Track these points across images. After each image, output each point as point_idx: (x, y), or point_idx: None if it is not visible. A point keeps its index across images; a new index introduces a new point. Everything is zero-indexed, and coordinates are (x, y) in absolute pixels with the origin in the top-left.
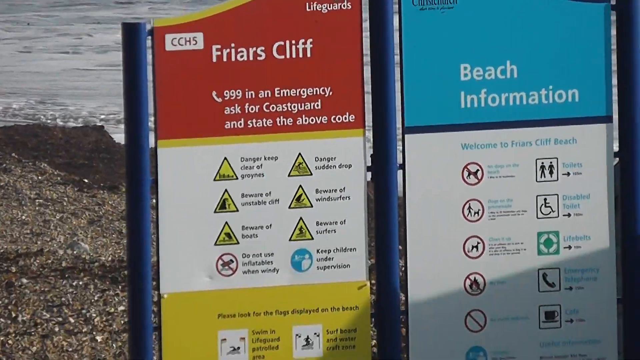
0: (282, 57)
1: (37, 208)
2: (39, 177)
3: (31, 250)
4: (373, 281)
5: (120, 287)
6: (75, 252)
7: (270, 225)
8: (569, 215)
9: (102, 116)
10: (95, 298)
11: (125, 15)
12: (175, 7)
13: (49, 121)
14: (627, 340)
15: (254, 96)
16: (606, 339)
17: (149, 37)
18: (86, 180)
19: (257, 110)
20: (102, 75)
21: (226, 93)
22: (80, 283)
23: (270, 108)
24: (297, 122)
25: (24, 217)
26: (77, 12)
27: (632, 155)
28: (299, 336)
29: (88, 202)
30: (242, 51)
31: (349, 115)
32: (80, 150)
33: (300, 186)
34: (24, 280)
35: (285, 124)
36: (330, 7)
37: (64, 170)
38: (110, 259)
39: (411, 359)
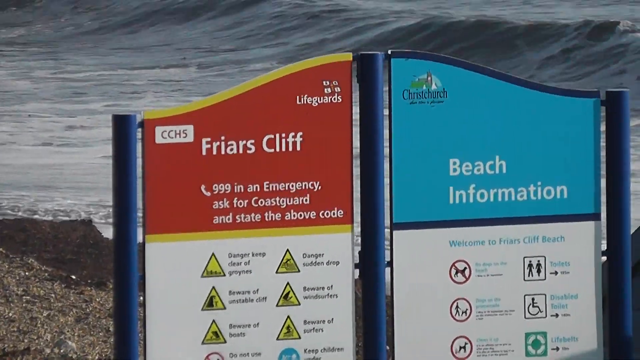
0: (272, 150)
1: (24, 305)
2: (27, 273)
3: (18, 349)
4: None
5: None
6: (62, 350)
7: (258, 323)
8: (556, 315)
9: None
10: None
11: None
12: None
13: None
14: None
15: (243, 190)
16: None
17: (139, 129)
18: (73, 277)
19: (245, 205)
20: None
21: (215, 187)
22: None
23: (259, 202)
24: (286, 217)
25: (10, 314)
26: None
27: (620, 254)
28: None
29: (75, 299)
30: (232, 144)
31: (337, 211)
32: (68, 245)
33: (288, 283)
34: None
35: (274, 219)
36: (320, 100)
37: (51, 265)
38: (97, 358)
39: None
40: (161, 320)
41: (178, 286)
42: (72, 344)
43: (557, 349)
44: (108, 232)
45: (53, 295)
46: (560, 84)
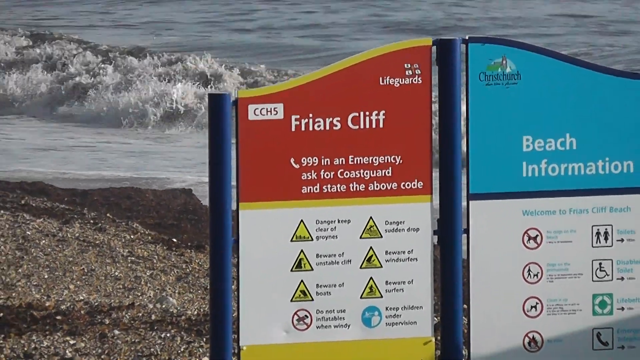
0: (357, 127)
1: (129, 265)
2: (132, 236)
3: (123, 304)
4: (438, 337)
5: (204, 339)
6: (163, 306)
7: (343, 283)
8: (622, 278)
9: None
10: (182, 349)
11: None
12: None
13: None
14: None
15: (329, 163)
16: None
17: (234, 107)
18: (175, 240)
19: (332, 176)
20: None
21: (303, 160)
22: (168, 335)
23: (344, 174)
24: (369, 187)
25: (117, 273)
26: None
27: None
28: None
29: (176, 260)
30: (319, 121)
31: (417, 182)
32: (169, 212)
33: (371, 248)
34: (116, 332)
35: (358, 189)
36: (402, 81)
37: (154, 230)
38: (196, 313)
39: None
40: (253, 279)
41: (269, 249)
42: (173, 300)
43: (623, 309)
44: (206, 201)
45: (156, 256)
46: None
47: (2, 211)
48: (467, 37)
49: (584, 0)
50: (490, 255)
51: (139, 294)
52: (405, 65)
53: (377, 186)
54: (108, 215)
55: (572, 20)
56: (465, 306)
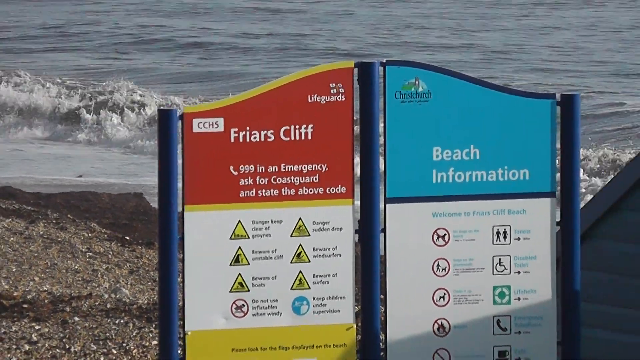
0: (288, 139)
1: (87, 260)
2: (89, 235)
3: (82, 294)
4: (359, 324)
5: (154, 325)
6: (117, 296)
7: (276, 276)
8: (519, 272)
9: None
10: (134, 334)
11: None
12: None
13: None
14: None
15: (264, 170)
16: None
17: (180, 121)
18: (127, 238)
19: (266, 182)
20: None
21: (241, 168)
22: (122, 321)
23: (277, 180)
24: (299, 192)
25: (76, 267)
26: None
27: (571, 224)
28: None
29: (129, 255)
30: (255, 133)
31: (341, 187)
32: (117, 214)
33: (300, 245)
34: (76, 319)
35: (289, 193)
36: (327, 99)
37: (109, 229)
38: (146, 302)
39: None
40: (196, 273)
41: (210, 246)
42: (126, 290)
43: (519, 298)
44: (155, 203)
45: (111, 252)
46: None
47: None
48: (384, 60)
49: None
50: (404, 252)
51: (96, 285)
52: (331, 84)
53: (305, 191)
54: (69, 215)
55: None
56: (382, 296)
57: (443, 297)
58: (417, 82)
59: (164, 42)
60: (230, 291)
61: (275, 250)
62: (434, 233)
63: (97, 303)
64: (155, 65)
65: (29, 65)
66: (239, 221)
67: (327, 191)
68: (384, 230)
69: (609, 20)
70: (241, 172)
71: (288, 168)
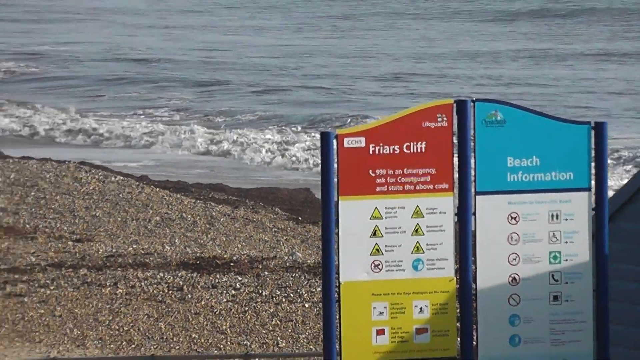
0: (408, 151)
1: (273, 233)
2: (274, 216)
3: (269, 256)
4: (457, 277)
5: (318, 277)
6: (293, 258)
7: (401, 245)
8: (566, 242)
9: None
10: (304, 283)
11: None
12: None
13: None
14: (598, 313)
15: (392, 173)
16: (587, 311)
17: (335, 140)
18: (300, 218)
19: (394, 181)
20: None
21: (377, 171)
22: (296, 275)
23: (401, 179)
24: (416, 188)
25: (265, 238)
26: None
27: (601, 210)
28: (416, 307)
29: (301, 230)
30: (386, 147)
31: (444, 184)
32: (292, 202)
33: (417, 223)
34: (266, 273)
35: (410, 189)
36: (435, 124)
37: (287, 212)
38: (313, 262)
39: (479, 319)
40: (347, 242)
41: (356, 224)
42: (299, 254)
43: (567, 260)
44: (319, 195)
45: (289, 228)
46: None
47: (198, 201)
48: (474, 99)
49: None
50: (488, 228)
51: (279, 251)
52: (438, 115)
53: (421, 187)
54: (260, 203)
55: None
56: (473, 258)
57: (515, 259)
58: (496, 113)
59: None
60: (370, 255)
61: (401, 227)
62: (508, 215)
63: (279, 263)
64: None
65: None
66: (376, 207)
67: (435, 187)
68: (474, 214)
69: None
70: (377, 174)
71: (409, 171)
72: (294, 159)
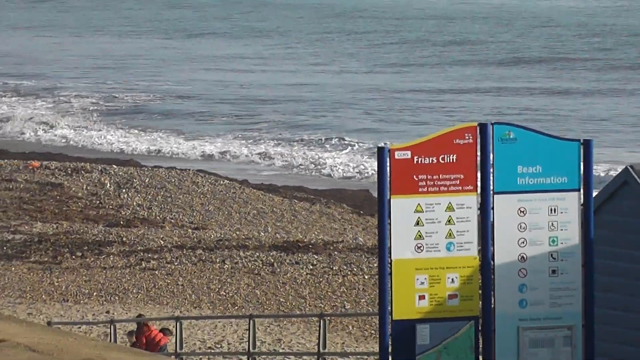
0: (443, 162)
1: (341, 222)
2: (340, 210)
3: (338, 240)
4: (480, 256)
5: (375, 256)
6: (356, 241)
7: (437, 232)
8: (562, 229)
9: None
10: (364, 260)
11: None
12: None
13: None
14: (585, 283)
15: (431, 178)
16: (577, 281)
17: (388, 152)
18: (361, 212)
19: (432, 184)
20: None
21: (420, 176)
22: (358, 254)
23: (437, 183)
24: (449, 189)
25: (335, 226)
26: None
27: (588, 206)
28: (449, 278)
29: (362, 220)
30: (427, 159)
31: (470, 186)
32: (355, 200)
33: (450, 215)
34: (336, 252)
35: (444, 190)
36: (464, 141)
37: (351, 207)
38: (370, 244)
39: (496, 287)
40: (397, 230)
41: (404, 216)
42: (361, 238)
43: (563, 243)
44: (376, 194)
45: (353, 219)
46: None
47: (285, 199)
48: (493, 122)
49: None
50: (503, 219)
51: (345, 236)
52: (465, 134)
53: (452, 188)
54: (331, 200)
55: None
56: (492, 241)
57: (523, 242)
58: (510, 133)
59: None
60: (414, 239)
61: (437, 218)
62: (518, 210)
63: (346, 245)
64: None
65: None
66: (418, 203)
67: (463, 188)
68: (493, 209)
69: None
70: (419, 178)
71: (443, 177)
72: (361, 167)
